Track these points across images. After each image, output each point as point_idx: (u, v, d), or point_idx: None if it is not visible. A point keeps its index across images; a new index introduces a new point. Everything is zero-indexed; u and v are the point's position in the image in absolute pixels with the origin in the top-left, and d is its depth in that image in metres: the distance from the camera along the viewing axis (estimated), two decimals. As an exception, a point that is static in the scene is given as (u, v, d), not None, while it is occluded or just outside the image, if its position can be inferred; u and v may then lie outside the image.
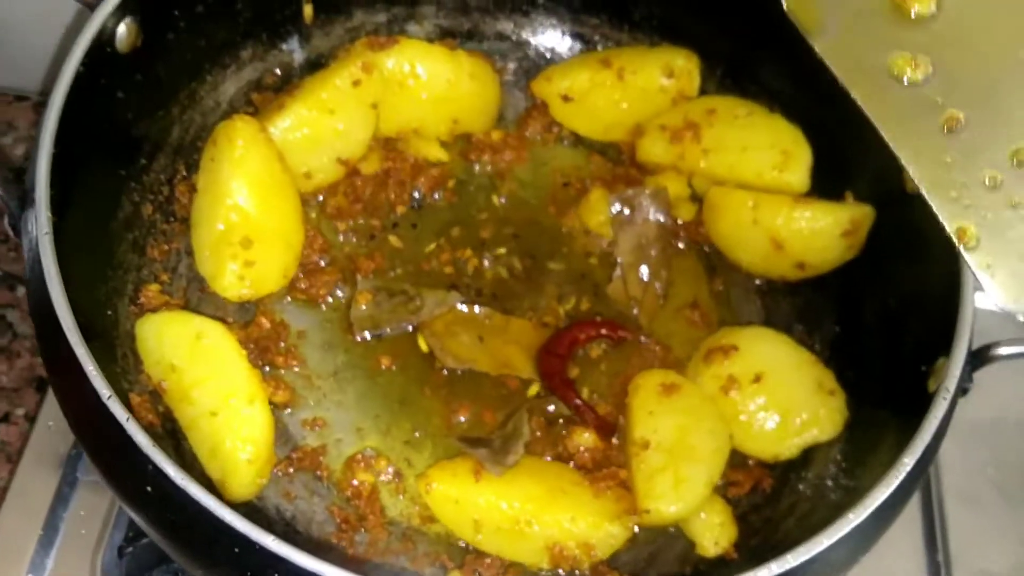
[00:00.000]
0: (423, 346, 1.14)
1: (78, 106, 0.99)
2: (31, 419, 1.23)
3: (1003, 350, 0.99)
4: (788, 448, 1.08)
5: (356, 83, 1.17)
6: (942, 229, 1.02)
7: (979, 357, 0.99)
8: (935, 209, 0.90)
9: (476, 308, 1.18)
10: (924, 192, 0.90)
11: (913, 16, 0.94)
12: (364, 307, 1.15)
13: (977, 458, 1.30)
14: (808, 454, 1.09)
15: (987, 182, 0.90)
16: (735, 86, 1.28)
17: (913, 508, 1.27)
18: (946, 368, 0.93)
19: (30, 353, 1.27)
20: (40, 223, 0.90)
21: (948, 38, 0.93)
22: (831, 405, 1.08)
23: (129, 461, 0.82)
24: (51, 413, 1.21)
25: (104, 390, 0.82)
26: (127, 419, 0.81)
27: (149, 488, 0.82)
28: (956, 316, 0.96)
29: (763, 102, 1.24)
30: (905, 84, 0.92)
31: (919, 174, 0.90)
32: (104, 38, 1.03)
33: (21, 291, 1.28)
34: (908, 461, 0.88)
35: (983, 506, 1.27)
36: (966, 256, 0.89)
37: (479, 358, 1.14)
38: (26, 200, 0.92)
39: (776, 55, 1.23)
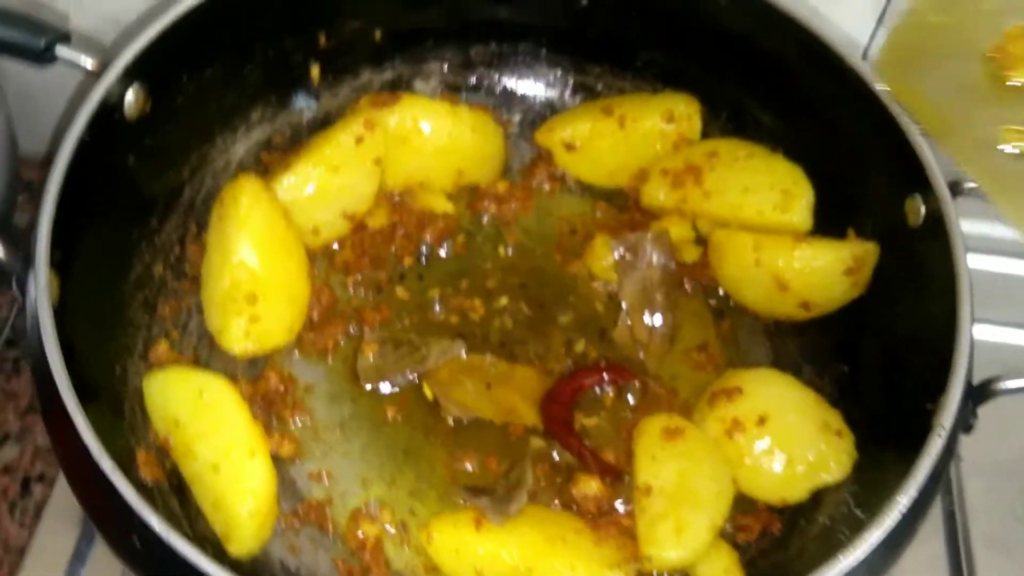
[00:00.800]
0: (429, 395, 1.15)
1: (86, 171, 1.02)
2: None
3: (1006, 384, 0.96)
4: (796, 491, 1.06)
5: (359, 140, 1.19)
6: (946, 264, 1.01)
7: (981, 392, 0.96)
8: None
9: (482, 356, 1.18)
10: None
11: (1019, 85, 0.92)
12: (370, 358, 1.16)
13: (1006, 501, 1.25)
14: (818, 496, 1.06)
15: None
16: (739, 129, 1.28)
17: (938, 554, 1.23)
18: (941, 404, 0.91)
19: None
20: (39, 282, 0.92)
21: None
22: (838, 446, 1.06)
23: (116, 513, 0.83)
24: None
25: (92, 442, 0.84)
26: (112, 471, 0.83)
27: (136, 539, 0.83)
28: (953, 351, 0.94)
29: (766, 143, 1.24)
30: (1018, 155, 0.90)
31: None
32: (111, 104, 1.06)
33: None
34: (903, 500, 0.86)
35: (1014, 551, 1.22)
36: None
37: (484, 406, 1.15)
38: (29, 261, 0.95)
39: (776, 97, 1.24)
